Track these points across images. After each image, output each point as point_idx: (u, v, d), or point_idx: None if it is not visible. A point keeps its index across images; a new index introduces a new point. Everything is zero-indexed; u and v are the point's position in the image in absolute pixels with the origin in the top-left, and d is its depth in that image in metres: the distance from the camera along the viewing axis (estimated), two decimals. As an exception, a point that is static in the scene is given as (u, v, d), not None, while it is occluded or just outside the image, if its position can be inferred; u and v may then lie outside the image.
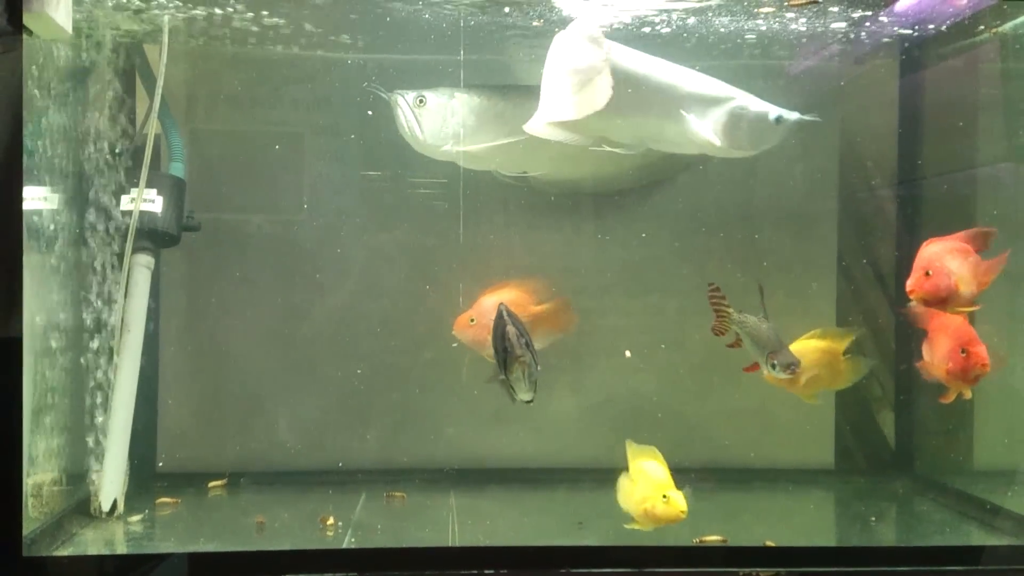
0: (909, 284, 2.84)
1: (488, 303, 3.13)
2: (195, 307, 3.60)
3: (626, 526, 2.75)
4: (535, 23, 3.18)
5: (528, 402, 2.69)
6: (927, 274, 2.79)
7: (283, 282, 3.61)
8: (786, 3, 3.04)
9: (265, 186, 3.61)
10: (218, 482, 3.44)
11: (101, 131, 3.15)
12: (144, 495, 3.28)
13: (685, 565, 2.70)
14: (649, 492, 2.68)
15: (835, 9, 3.12)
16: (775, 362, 2.94)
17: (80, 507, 3.03)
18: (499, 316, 2.65)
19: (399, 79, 3.37)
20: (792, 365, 2.93)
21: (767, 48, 3.48)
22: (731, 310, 3.04)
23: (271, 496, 3.39)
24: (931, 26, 3.39)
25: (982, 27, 3.35)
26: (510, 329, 2.61)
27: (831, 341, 3.13)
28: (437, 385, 3.62)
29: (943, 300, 2.83)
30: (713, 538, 2.80)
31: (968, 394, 3.05)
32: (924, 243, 2.89)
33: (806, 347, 3.11)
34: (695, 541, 2.78)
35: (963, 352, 2.95)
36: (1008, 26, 3.31)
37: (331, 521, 3.05)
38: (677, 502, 2.65)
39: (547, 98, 2.92)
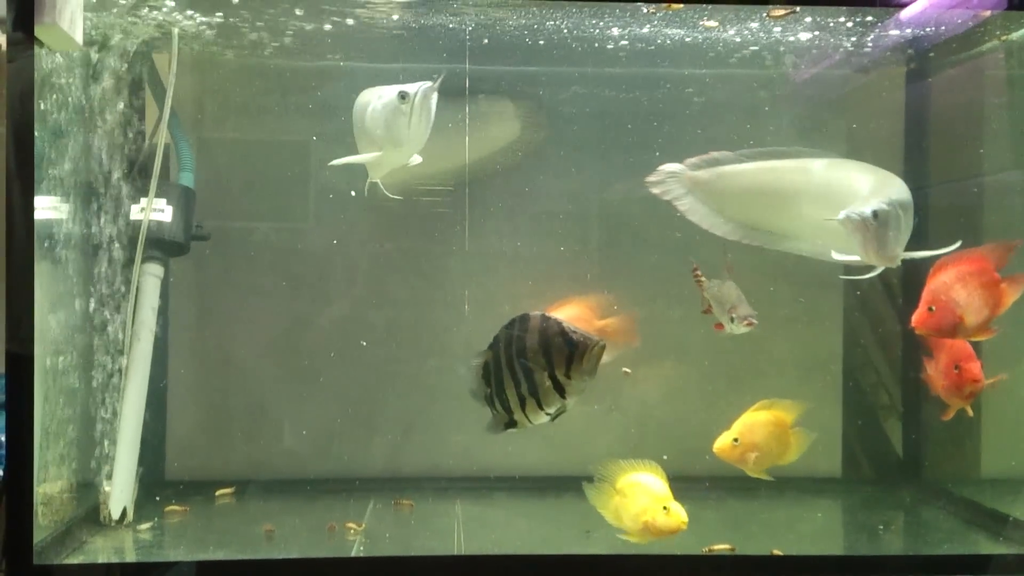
0: (913, 319, 2.83)
1: None
2: (204, 316, 3.62)
3: (621, 537, 2.73)
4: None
5: (554, 416, 2.54)
6: (930, 309, 2.79)
7: (291, 291, 3.62)
8: (766, 15, 3.05)
9: (273, 195, 3.63)
10: (226, 490, 3.45)
11: (110, 141, 3.17)
12: (153, 503, 3.29)
13: (693, 574, 2.70)
14: (649, 504, 2.67)
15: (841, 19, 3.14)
16: (733, 315, 2.94)
17: (90, 515, 3.04)
18: (544, 320, 2.46)
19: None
20: (750, 316, 2.92)
21: (772, 56, 3.50)
22: (705, 281, 3.04)
23: (279, 504, 3.40)
24: (938, 34, 3.40)
25: (989, 36, 3.35)
26: (567, 325, 2.44)
27: (779, 413, 3.00)
28: (444, 393, 3.63)
29: (948, 334, 2.83)
30: (721, 547, 2.80)
31: (970, 412, 3.04)
32: (935, 266, 2.85)
33: (754, 420, 2.99)
34: (704, 550, 2.78)
35: (956, 368, 2.95)
36: (1015, 35, 3.32)
37: (351, 525, 3.07)
38: (678, 513, 2.64)
39: None
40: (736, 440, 2.93)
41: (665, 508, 2.65)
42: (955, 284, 2.80)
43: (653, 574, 2.66)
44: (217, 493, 3.43)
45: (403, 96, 2.94)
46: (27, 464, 2.51)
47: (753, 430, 2.95)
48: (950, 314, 2.77)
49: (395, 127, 2.98)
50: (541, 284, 3.69)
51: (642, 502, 2.69)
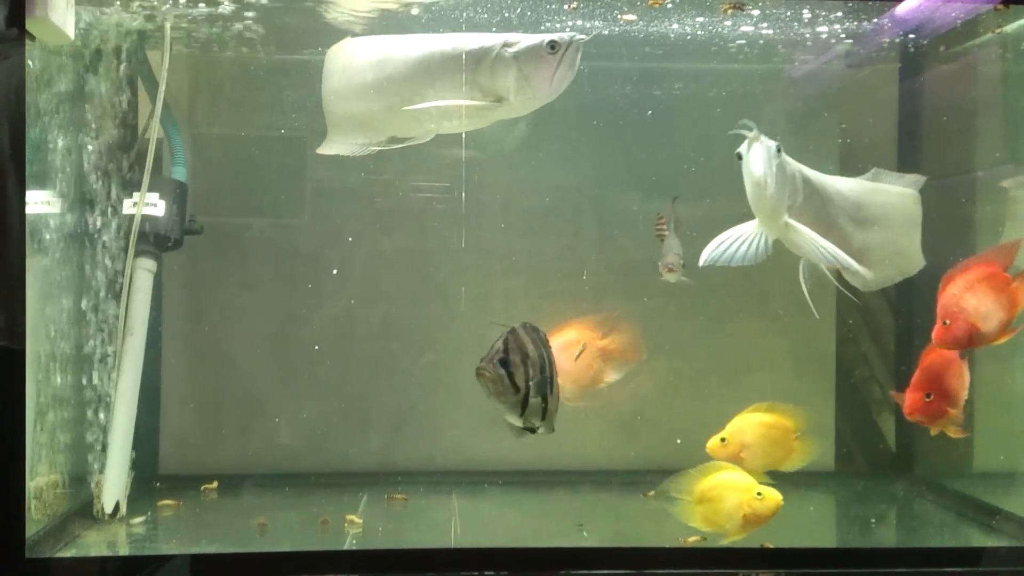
0: (932, 335, 2.83)
1: (555, 345, 3.07)
2: (197, 310, 3.62)
3: (724, 543, 2.73)
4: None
5: (532, 431, 2.56)
6: (945, 323, 2.80)
7: (285, 285, 3.63)
8: (721, 9, 3.05)
9: (266, 190, 3.63)
10: (211, 485, 3.45)
11: (103, 135, 3.17)
12: (146, 497, 3.28)
13: (684, 566, 2.71)
14: (741, 498, 2.67)
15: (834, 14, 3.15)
16: (660, 263, 3.02)
17: (83, 509, 3.05)
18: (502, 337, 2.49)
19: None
20: (670, 265, 2.99)
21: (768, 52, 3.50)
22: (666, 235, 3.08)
23: (273, 498, 3.40)
24: (932, 29, 3.40)
25: (984, 30, 3.36)
26: (497, 345, 2.44)
27: (779, 417, 2.95)
28: (437, 388, 3.64)
29: (966, 345, 2.84)
30: (693, 539, 2.81)
31: (951, 433, 3.03)
32: (944, 279, 2.86)
33: (748, 421, 2.95)
34: (679, 541, 2.80)
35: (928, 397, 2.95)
36: (1010, 28, 3.32)
37: (351, 517, 3.08)
38: (772, 493, 2.66)
39: None
40: (724, 440, 2.92)
41: (759, 494, 2.66)
42: (965, 294, 2.80)
43: (644, 566, 2.67)
44: (203, 488, 3.43)
45: (553, 45, 2.72)
46: (19, 458, 2.51)
47: (744, 430, 2.92)
48: (965, 324, 2.78)
49: (536, 78, 2.75)
50: (536, 280, 3.70)
51: (734, 498, 2.69)
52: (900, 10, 3.19)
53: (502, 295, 3.70)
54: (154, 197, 3.15)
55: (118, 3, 3.00)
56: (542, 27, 3.18)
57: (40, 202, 2.81)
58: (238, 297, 3.62)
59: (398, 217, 3.64)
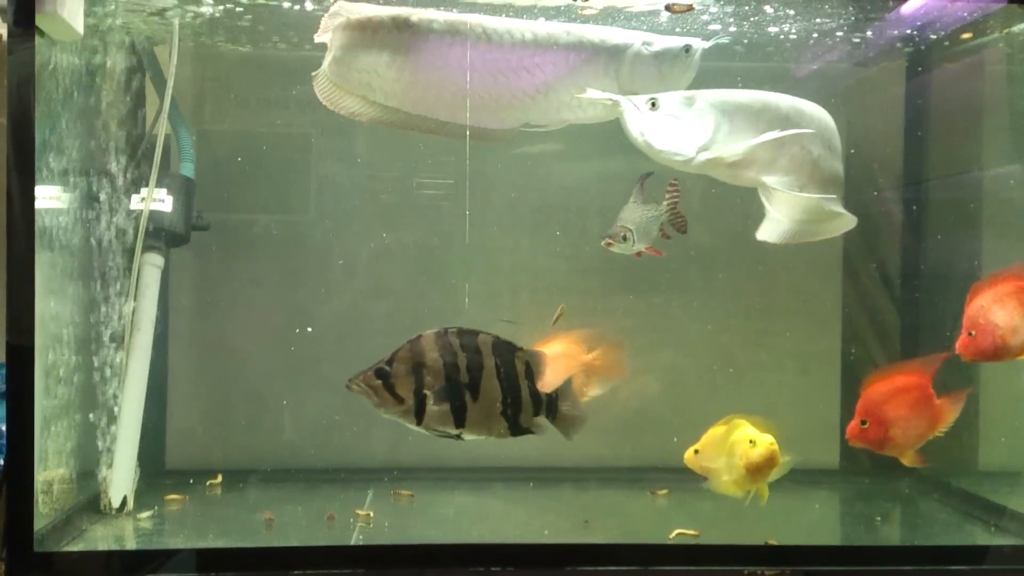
0: (956, 345, 2.84)
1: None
2: (204, 306, 3.63)
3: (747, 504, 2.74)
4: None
5: (453, 437, 2.59)
6: (970, 335, 2.79)
7: (291, 281, 3.63)
8: (667, 8, 3.03)
9: (273, 186, 3.63)
10: (215, 479, 3.47)
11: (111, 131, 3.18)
12: (153, 492, 3.29)
13: (690, 563, 2.71)
14: (740, 450, 2.67)
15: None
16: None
17: (90, 504, 3.05)
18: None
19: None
20: (608, 238, 2.91)
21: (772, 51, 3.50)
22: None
23: (279, 493, 3.41)
24: (939, 27, 3.40)
25: (990, 30, 3.36)
26: (385, 355, 2.46)
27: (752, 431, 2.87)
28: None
29: (991, 358, 2.83)
30: (686, 532, 2.81)
31: (907, 461, 2.98)
32: (972, 290, 2.85)
33: (716, 434, 2.88)
34: (672, 535, 2.80)
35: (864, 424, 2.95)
36: (1017, 28, 3.32)
37: (363, 512, 3.09)
38: (763, 439, 2.65)
39: None
40: (697, 451, 2.90)
41: (752, 442, 2.66)
42: (992, 306, 2.80)
43: (650, 563, 2.67)
44: (207, 483, 3.44)
45: (688, 49, 2.86)
46: (28, 453, 2.53)
47: (714, 443, 2.88)
48: (991, 336, 2.78)
49: (669, 78, 2.89)
50: (541, 278, 3.70)
51: (736, 452, 2.69)
52: (906, 8, 3.19)
53: (507, 291, 3.71)
54: (162, 193, 3.16)
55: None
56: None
57: (49, 197, 2.81)
58: (244, 293, 3.62)
59: (403, 213, 3.64)
